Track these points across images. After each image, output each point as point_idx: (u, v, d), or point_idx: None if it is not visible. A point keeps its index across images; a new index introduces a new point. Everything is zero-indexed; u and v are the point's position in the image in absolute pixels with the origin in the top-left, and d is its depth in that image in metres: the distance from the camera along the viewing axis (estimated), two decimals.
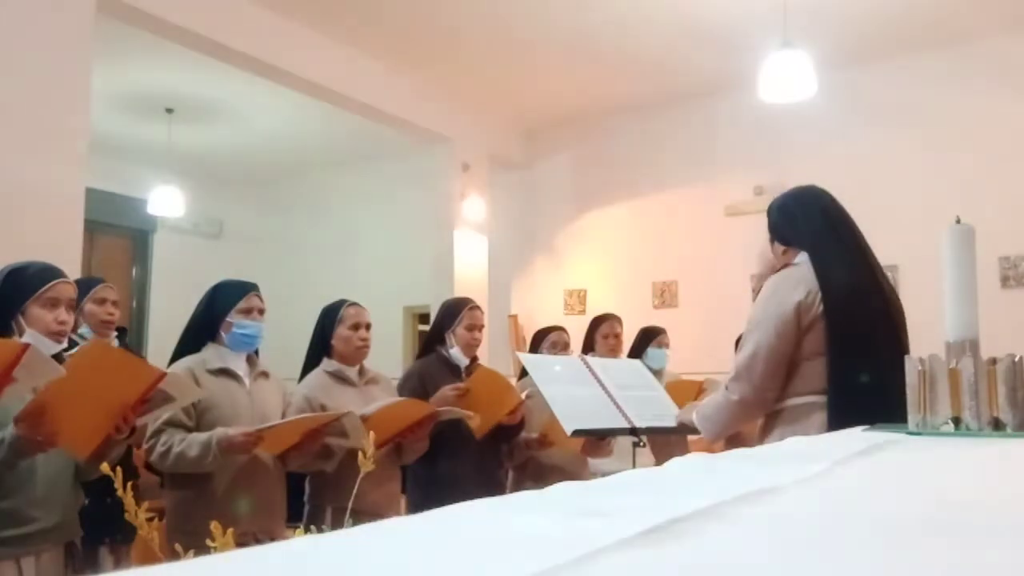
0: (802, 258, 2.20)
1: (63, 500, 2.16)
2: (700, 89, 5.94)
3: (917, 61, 5.27)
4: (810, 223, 2.23)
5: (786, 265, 2.22)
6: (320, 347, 2.95)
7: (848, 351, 2.04)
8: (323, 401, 2.76)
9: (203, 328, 2.64)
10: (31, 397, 1.91)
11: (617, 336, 3.80)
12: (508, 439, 3.19)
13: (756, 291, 2.42)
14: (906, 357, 1.51)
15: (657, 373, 3.50)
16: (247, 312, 2.61)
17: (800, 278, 2.12)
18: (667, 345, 3.96)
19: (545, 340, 3.59)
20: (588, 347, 3.79)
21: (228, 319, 2.59)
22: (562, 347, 3.55)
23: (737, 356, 2.15)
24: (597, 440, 3.23)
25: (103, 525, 2.52)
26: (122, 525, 1.70)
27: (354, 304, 2.97)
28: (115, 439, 2.10)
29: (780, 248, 2.28)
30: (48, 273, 2.16)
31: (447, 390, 2.93)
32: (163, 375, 2.01)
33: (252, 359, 2.68)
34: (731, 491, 0.62)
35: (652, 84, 5.91)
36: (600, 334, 3.80)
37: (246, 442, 2.40)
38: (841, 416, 1.91)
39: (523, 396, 3.07)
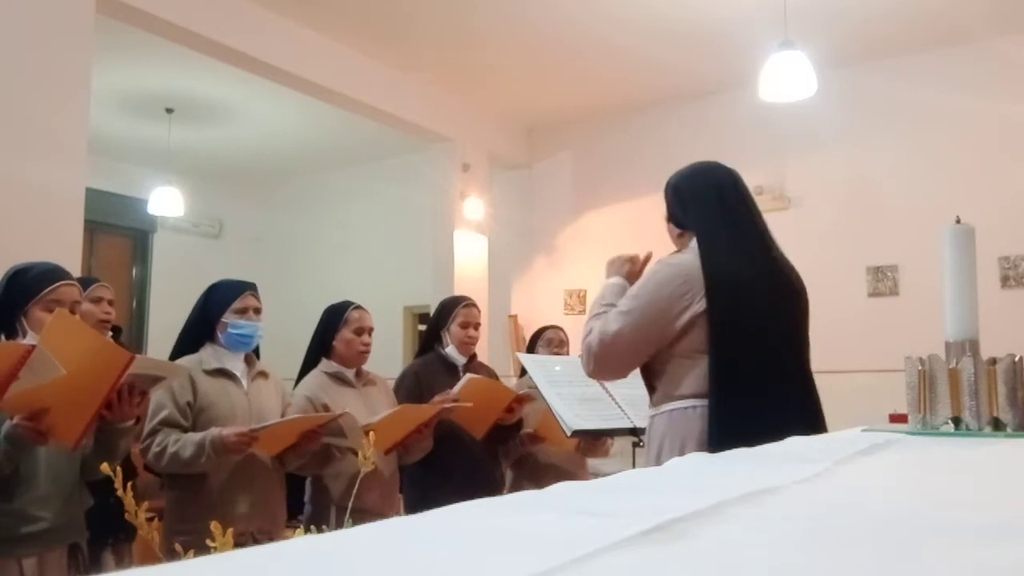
0: (693, 244, 2.02)
1: (68, 500, 2.15)
2: (700, 89, 5.94)
3: (917, 61, 5.27)
4: (702, 206, 2.03)
5: (679, 250, 2.06)
6: (320, 347, 2.95)
7: (731, 351, 1.87)
8: (325, 401, 2.76)
9: (199, 329, 2.63)
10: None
11: None
12: (506, 439, 3.19)
13: None
14: (906, 357, 1.51)
15: None
16: (242, 312, 2.60)
17: (682, 269, 1.94)
18: None
19: (541, 338, 3.59)
20: None
21: (223, 319, 2.59)
22: (557, 344, 3.55)
23: (601, 326, 1.96)
24: (593, 439, 3.23)
25: (107, 525, 2.52)
26: (125, 524, 1.70)
27: (358, 307, 2.96)
28: (116, 428, 2.09)
29: (675, 231, 2.09)
30: (51, 275, 2.15)
31: (436, 400, 2.89)
32: (132, 358, 1.96)
33: (251, 359, 2.68)
34: (731, 491, 0.62)
35: (652, 84, 5.91)
36: None
37: (240, 442, 2.39)
38: (718, 421, 1.82)
39: (520, 393, 3.07)
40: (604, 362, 1.98)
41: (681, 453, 1.75)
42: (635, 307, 1.93)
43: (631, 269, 2.16)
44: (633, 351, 1.97)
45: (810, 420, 1.91)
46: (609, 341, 1.93)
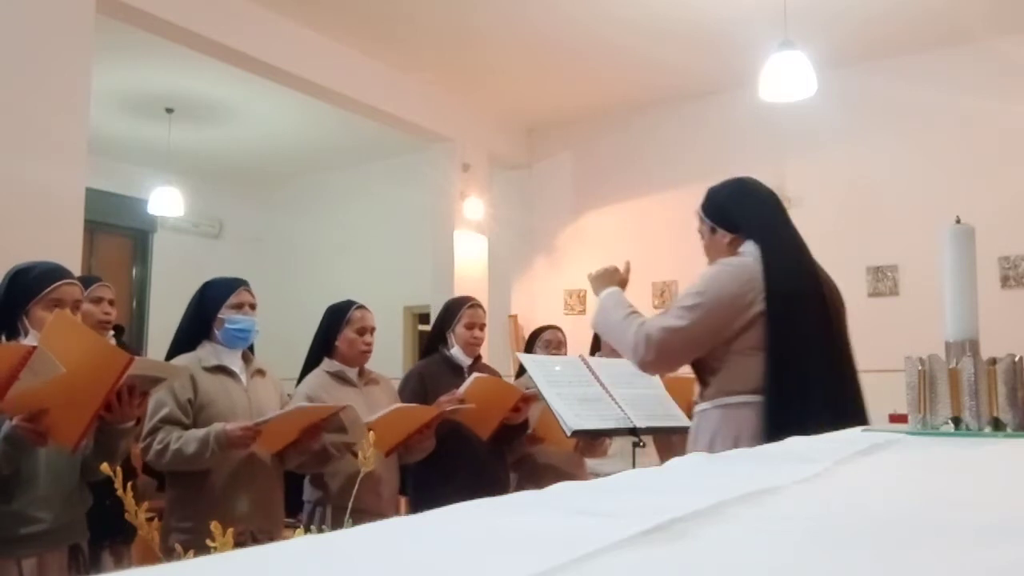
0: (748, 248, 2.14)
1: (68, 500, 2.15)
2: (700, 89, 5.94)
3: (917, 61, 5.27)
4: (763, 214, 2.19)
5: (734, 253, 2.17)
6: (322, 347, 2.95)
7: (787, 350, 2.00)
8: (325, 400, 2.76)
9: (196, 327, 2.64)
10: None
11: None
12: (511, 439, 3.18)
13: None
14: (906, 357, 1.51)
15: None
16: (238, 307, 2.61)
17: (745, 271, 2.07)
18: None
19: (539, 339, 3.58)
20: (595, 347, 3.77)
21: (220, 315, 2.59)
22: (556, 345, 3.54)
23: (661, 321, 2.07)
24: (591, 439, 3.22)
25: (104, 527, 2.52)
26: (122, 526, 1.70)
27: (361, 307, 2.96)
28: (116, 429, 2.09)
29: (726, 236, 2.21)
30: (52, 274, 2.15)
31: (443, 400, 2.89)
32: (131, 359, 1.97)
33: (248, 356, 2.68)
34: (731, 491, 0.62)
35: (652, 84, 5.91)
36: None
37: (244, 436, 2.39)
38: (775, 417, 1.90)
39: (526, 392, 3.06)
40: (664, 355, 2.07)
41: (735, 447, 1.80)
42: (701, 303, 2.03)
43: (621, 278, 2.32)
44: (694, 345, 2.07)
45: (857, 418, 1.98)
46: (669, 336, 2.03)
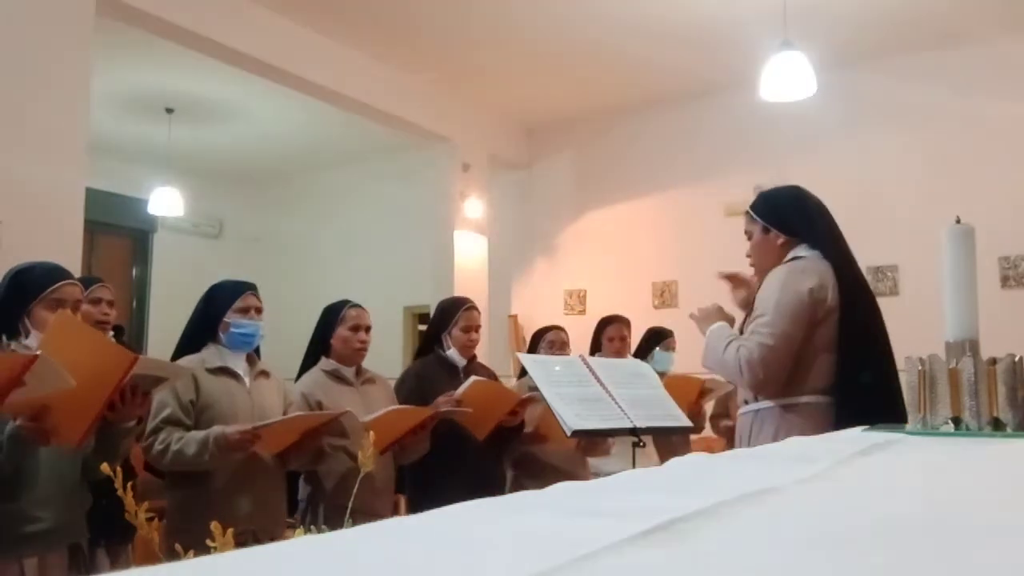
0: (803, 251, 2.21)
1: (69, 500, 2.15)
2: (700, 89, 5.93)
3: (917, 61, 5.27)
4: (822, 221, 2.28)
5: (793, 258, 2.23)
6: (319, 346, 2.96)
7: (860, 349, 2.07)
8: (320, 399, 2.77)
9: (202, 329, 2.64)
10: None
11: (623, 339, 3.78)
12: (508, 440, 3.18)
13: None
14: (906, 357, 1.51)
15: (660, 376, 3.48)
16: (244, 311, 2.61)
17: (811, 270, 2.14)
18: (674, 348, 3.94)
19: (543, 339, 3.59)
20: (595, 348, 3.78)
21: (225, 319, 2.59)
22: (559, 346, 3.54)
23: (752, 340, 2.10)
24: (593, 439, 3.22)
25: (100, 527, 2.52)
26: (120, 526, 1.70)
27: (356, 306, 2.98)
28: (118, 428, 2.09)
29: (779, 238, 2.27)
30: (54, 274, 2.16)
31: (440, 401, 2.90)
32: (136, 358, 1.96)
33: (252, 358, 2.68)
34: (731, 491, 0.62)
35: (652, 84, 5.91)
36: (606, 336, 3.78)
37: (243, 440, 2.39)
38: (851, 416, 1.90)
39: (523, 396, 3.06)
40: (771, 372, 2.09)
41: None
42: (780, 311, 2.09)
43: (727, 315, 2.32)
44: (791, 353, 2.10)
45: (903, 418, 2.03)
46: (767, 353, 2.07)
